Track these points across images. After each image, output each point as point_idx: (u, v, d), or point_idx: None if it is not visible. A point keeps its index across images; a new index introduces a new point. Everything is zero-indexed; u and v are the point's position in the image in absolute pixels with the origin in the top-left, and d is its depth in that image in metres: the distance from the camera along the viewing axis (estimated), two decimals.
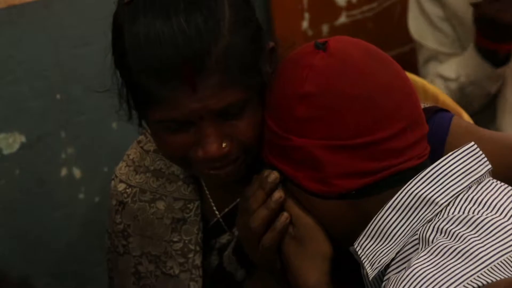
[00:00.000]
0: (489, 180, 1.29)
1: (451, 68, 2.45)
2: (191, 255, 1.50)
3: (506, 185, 1.29)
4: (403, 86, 1.31)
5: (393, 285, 1.17)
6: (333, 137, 1.26)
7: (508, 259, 1.17)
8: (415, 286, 1.14)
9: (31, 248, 2.16)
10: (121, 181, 1.56)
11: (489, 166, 1.29)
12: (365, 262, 1.25)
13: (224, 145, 1.31)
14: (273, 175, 1.31)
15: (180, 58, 1.25)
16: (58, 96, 2.14)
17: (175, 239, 1.50)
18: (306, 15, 2.61)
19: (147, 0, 1.29)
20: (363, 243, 1.26)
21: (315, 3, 2.61)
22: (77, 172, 2.22)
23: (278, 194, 1.32)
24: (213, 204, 1.51)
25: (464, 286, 1.13)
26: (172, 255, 1.51)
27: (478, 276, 1.14)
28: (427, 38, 2.49)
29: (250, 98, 1.32)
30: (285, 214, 1.32)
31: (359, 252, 1.26)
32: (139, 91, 1.30)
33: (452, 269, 1.15)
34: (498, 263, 1.16)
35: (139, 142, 1.58)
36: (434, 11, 2.47)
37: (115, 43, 1.33)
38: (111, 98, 2.14)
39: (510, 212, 1.23)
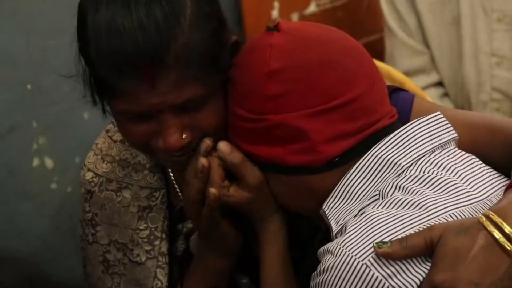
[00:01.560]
0: (453, 148, 1.34)
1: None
2: (157, 243, 1.52)
3: (470, 155, 1.34)
4: (357, 46, 1.37)
5: (348, 228, 1.22)
6: (309, 105, 1.30)
7: (456, 214, 1.22)
8: (366, 228, 1.20)
9: (3, 238, 2.15)
10: (89, 169, 1.58)
11: (455, 134, 1.34)
12: (331, 219, 1.30)
13: (184, 136, 1.33)
14: (205, 144, 1.35)
15: (139, 55, 1.26)
16: (29, 87, 2.14)
17: (141, 227, 1.52)
18: (276, 4, 2.62)
19: None
20: (330, 203, 1.32)
21: None
22: (49, 162, 2.21)
23: (201, 162, 1.35)
24: (178, 190, 1.53)
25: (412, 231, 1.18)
26: (138, 242, 1.52)
27: (424, 225, 1.19)
28: (396, 24, 2.52)
29: (211, 92, 1.33)
30: (211, 190, 1.35)
31: (326, 212, 1.31)
32: (101, 82, 1.32)
33: (403, 217, 1.20)
34: (445, 217, 1.20)
35: (107, 131, 1.59)
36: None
37: (79, 31, 1.34)
38: (82, 88, 2.19)
39: (466, 177, 1.28)
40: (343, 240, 1.21)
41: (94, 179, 1.56)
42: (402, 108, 1.42)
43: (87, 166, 1.58)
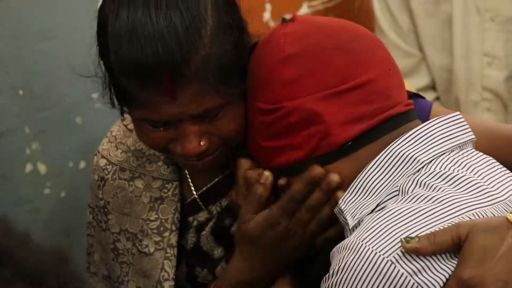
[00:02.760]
0: (471, 149, 1.34)
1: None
2: (166, 234, 1.53)
3: (488, 157, 1.35)
4: (371, 36, 1.40)
5: (368, 223, 1.21)
6: (322, 88, 1.32)
7: (478, 214, 1.22)
8: (390, 223, 1.19)
9: None
10: (102, 156, 1.59)
11: (473, 136, 1.35)
12: (347, 214, 1.30)
13: (202, 143, 1.35)
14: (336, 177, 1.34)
15: (160, 67, 1.27)
16: (20, 92, 2.13)
17: (152, 218, 1.54)
18: (268, 6, 2.62)
19: None
20: (347, 199, 1.32)
21: None
22: (42, 168, 2.20)
23: (335, 177, 1.35)
24: (191, 183, 1.54)
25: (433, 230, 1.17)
26: (148, 233, 1.54)
27: (449, 222, 1.19)
28: (388, 25, 2.53)
29: (231, 101, 1.35)
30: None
31: (342, 207, 1.30)
32: (121, 89, 1.33)
33: (428, 213, 1.20)
34: (469, 215, 1.21)
35: (123, 120, 1.60)
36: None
37: (98, 36, 1.35)
38: (74, 92, 2.17)
39: (487, 176, 1.29)
40: (364, 236, 1.19)
41: (108, 166, 1.58)
42: (420, 113, 1.42)
43: (101, 152, 1.60)
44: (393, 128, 1.33)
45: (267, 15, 2.63)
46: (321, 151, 1.32)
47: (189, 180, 1.55)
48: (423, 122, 1.39)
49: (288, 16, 1.40)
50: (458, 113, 1.36)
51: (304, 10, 2.72)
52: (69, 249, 1.98)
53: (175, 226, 1.53)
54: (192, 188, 1.55)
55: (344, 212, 1.31)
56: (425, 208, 1.21)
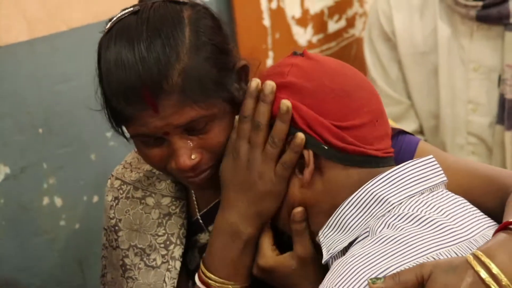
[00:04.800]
0: (443, 190, 1.37)
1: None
2: (171, 247, 1.57)
3: (458, 197, 1.37)
4: (370, 87, 1.44)
5: (337, 267, 1.25)
6: (310, 120, 1.37)
7: (442, 254, 1.24)
8: (357, 266, 1.22)
9: (15, 271, 2.16)
10: (117, 178, 1.65)
11: (444, 178, 1.38)
12: (323, 248, 1.37)
13: (193, 156, 1.42)
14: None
15: (141, 84, 1.36)
16: (40, 130, 2.18)
17: (160, 233, 1.59)
18: (271, 53, 2.69)
19: (119, 30, 1.41)
20: (325, 232, 1.37)
21: (279, 43, 2.70)
22: (58, 201, 2.24)
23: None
24: (196, 203, 1.59)
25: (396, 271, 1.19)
26: (156, 247, 1.58)
27: (414, 262, 1.21)
28: (378, 75, 2.56)
29: (216, 113, 1.41)
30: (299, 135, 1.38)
31: (321, 240, 1.37)
32: (114, 110, 1.42)
33: (392, 254, 1.22)
34: (433, 255, 1.23)
35: (136, 151, 1.64)
36: (384, 50, 2.54)
37: (98, 66, 1.45)
38: (90, 131, 2.20)
39: (454, 216, 1.31)
40: (335, 282, 1.22)
41: (123, 186, 1.63)
42: (406, 150, 1.47)
43: (115, 175, 1.66)
44: (366, 165, 1.36)
45: (269, 61, 2.67)
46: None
47: (194, 199, 1.59)
48: (409, 158, 1.43)
49: (299, 51, 1.43)
50: (431, 156, 1.39)
51: None
52: (82, 277, 2.05)
53: (180, 240, 1.56)
54: (196, 207, 1.59)
55: (322, 244, 1.36)
56: (392, 249, 1.22)
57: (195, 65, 1.38)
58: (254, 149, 1.41)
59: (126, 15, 1.43)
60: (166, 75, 1.36)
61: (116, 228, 1.63)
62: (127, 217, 1.62)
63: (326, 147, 1.36)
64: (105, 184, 1.71)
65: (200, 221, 1.60)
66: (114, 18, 1.45)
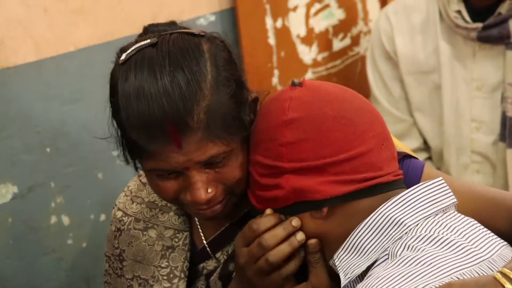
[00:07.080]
0: (454, 212, 1.39)
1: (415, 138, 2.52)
2: (175, 281, 1.57)
3: (469, 218, 1.39)
4: (371, 109, 1.43)
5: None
6: (318, 156, 1.36)
7: (465, 274, 1.25)
8: (376, 285, 1.22)
9: None
10: (119, 209, 1.65)
11: (455, 200, 1.39)
12: (340, 272, 1.36)
13: (209, 190, 1.41)
14: (297, 221, 1.39)
15: (165, 119, 1.33)
16: (48, 150, 2.18)
17: (163, 265, 1.58)
18: (276, 72, 2.69)
19: (138, 60, 1.37)
20: (341, 256, 1.36)
21: (284, 62, 2.69)
22: (65, 220, 2.24)
23: (301, 236, 1.39)
24: (201, 232, 1.59)
25: None
26: (159, 279, 1.58)
27: (439, 282, 1.21)
28: (380, 93, 2.56)
29: (234, 148, 1.40)
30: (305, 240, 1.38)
31: (336, 264, 1.36)
32: (132, 143, 1.39)
33: (413, 275, 1.22)
34: (457, 275, 1.23)
35: (139, 175, 1.66)
36: (386, 69, 2.54)
37: (110, 98, 1.42)
38: (97, 150, 2.22)
39: (470, 236, 1.32)
40: None
41: (124, 218, 1.63)
42: (412, 174, 1.47)
43: (118, 205, 1.65)
44: (379, 192, 1.35)
45: (275, 80, 2.68)
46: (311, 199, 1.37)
47: (200, 229, 1.58)
48: (415, 182, 1.43)
49: (297, 80, 1.42)
50: (440, 178, 1.39)
51: (309, 75, 2.76)
52: None
53: (184, 274, 1.56)
54: (202, 236, 1.58)
55: (338, 268, 1.35)
56: (416, 270, 1.22)
57: (218, 101, 1.37)
58: (269, 267, 1.41)
59: (143, 46, 1.39)
60: (192, 111, 1.34)
61: (121, 257, 1.63)
62: (130, 248, 1.62)
63: (336, 199, 1.36)
64: (113, 203, 1.71)
65: (207, 249, 1.59)
66: (130, 50, 1.40)
